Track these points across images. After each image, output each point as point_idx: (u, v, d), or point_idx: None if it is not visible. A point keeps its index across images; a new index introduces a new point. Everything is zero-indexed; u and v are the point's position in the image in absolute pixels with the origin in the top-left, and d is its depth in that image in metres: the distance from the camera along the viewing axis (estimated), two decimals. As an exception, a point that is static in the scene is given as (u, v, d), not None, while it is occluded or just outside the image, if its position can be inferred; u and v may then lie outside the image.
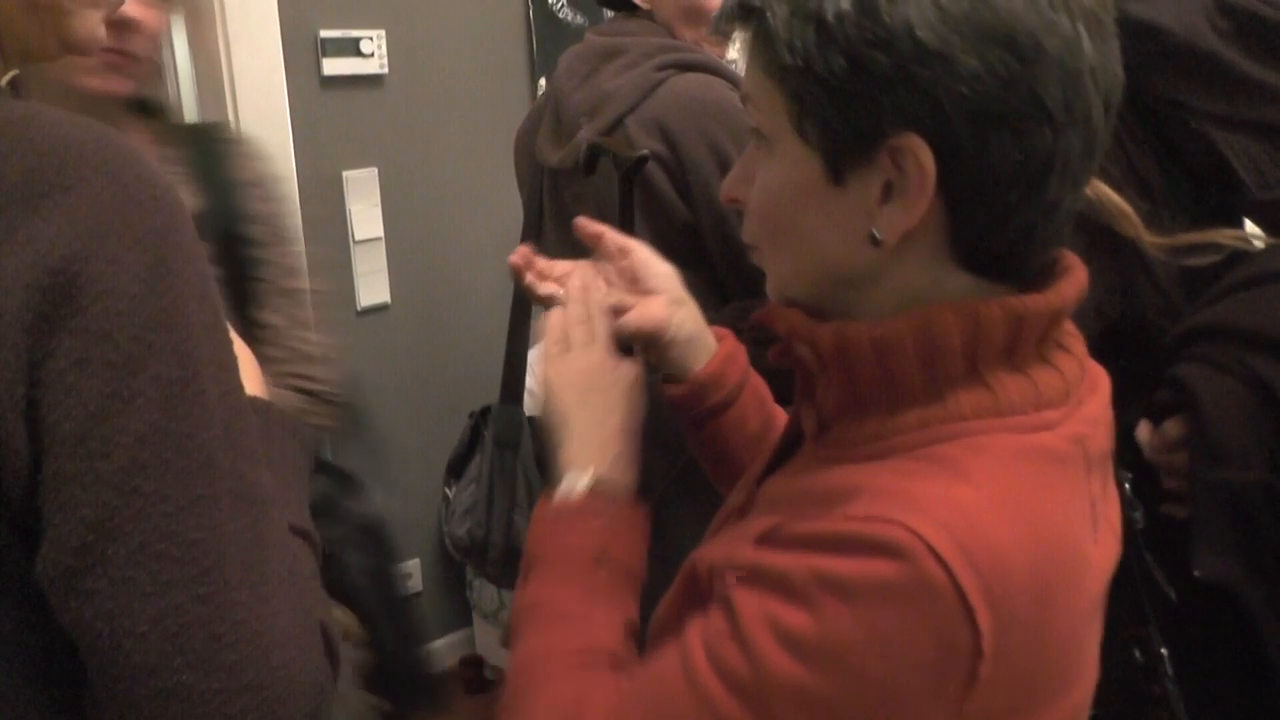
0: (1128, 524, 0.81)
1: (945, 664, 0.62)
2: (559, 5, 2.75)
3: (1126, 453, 1.17)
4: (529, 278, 0.99)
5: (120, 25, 1.15)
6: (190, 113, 2.65)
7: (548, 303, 0.98)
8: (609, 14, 1.75)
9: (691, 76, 1.60)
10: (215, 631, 0.62)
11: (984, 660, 0.62)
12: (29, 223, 0.60)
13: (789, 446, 0.83)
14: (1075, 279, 0.73)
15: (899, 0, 0.64)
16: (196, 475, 0.63)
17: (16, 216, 0.60)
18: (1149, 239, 1.12)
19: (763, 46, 0.69)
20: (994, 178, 0.66)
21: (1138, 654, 1.14)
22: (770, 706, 0.65)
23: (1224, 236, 1.17)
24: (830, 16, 0.65)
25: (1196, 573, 1.07)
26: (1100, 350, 1.19)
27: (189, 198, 1.29)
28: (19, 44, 0.73)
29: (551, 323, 0.93)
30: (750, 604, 0.66)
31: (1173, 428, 1.14)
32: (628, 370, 0.89)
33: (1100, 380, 0.78)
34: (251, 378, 0.81)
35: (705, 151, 1.55)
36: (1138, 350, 1.20)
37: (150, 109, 1.35)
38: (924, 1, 0.63)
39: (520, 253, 1.00)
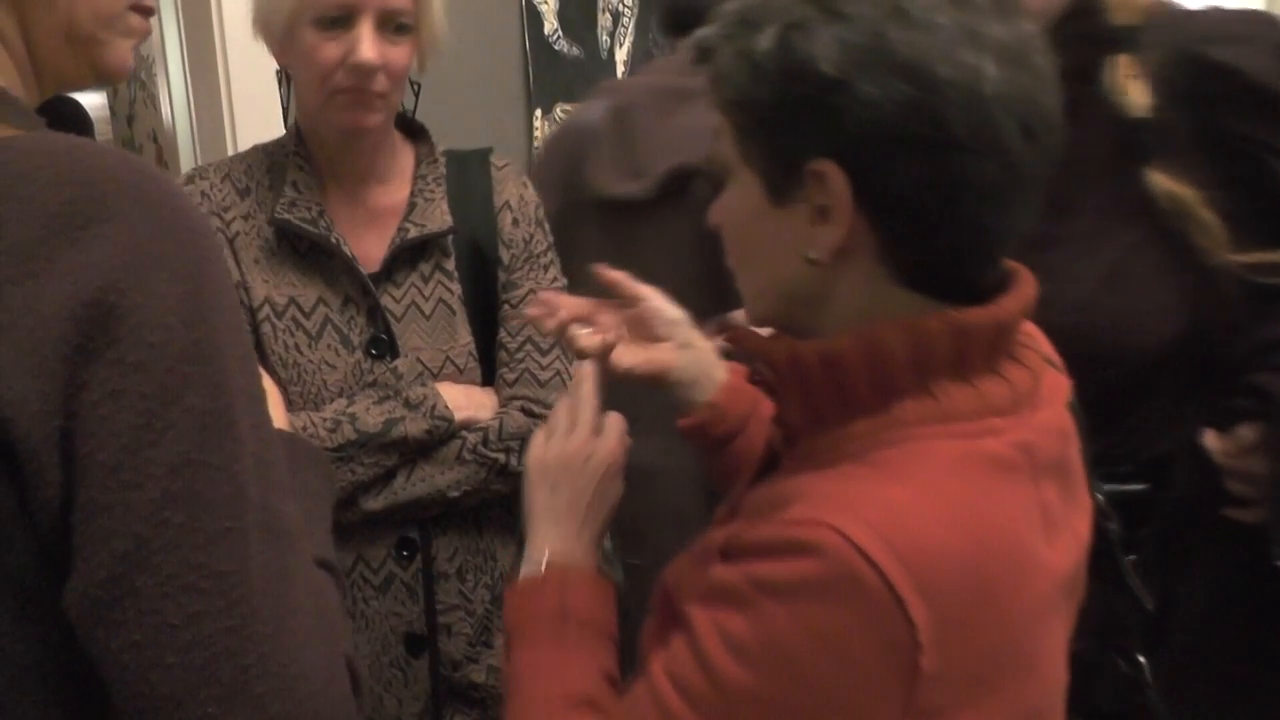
0: (1103, 534, 0.83)
1: (885, 658, 0.66)
2: (555, 37, 2.76)
3: (1189, 459, 1.22)
4: (572, 329, 1.03)
5: (362, 68, 1.23)
6: (186, 145, 2.65)
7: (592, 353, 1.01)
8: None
9: None
10: (243, 664, 0.62)
11: (923, 652, 0.65)
12: (69, 253, 0.61)
13: (774, 458, 0.86)
14: (1021, 293, 0.77)
15: (809, 36, 0.71)
16: (227, 507, 0.63)
17: (57, 247, 0.61)
18: (1228, 256, 1.17)
19: (714, 84, 0.77)
20: (907, 199, 0.71)
21: (1122, 664, 1.18)
22: (729, 716, 0.69)
23: None
24: (759, 54, 0.73)
25: (1278, 564, 1.12)
26: (1167, 360, 1.23)
27: (440, 216, 1.33)
28: (55, 73, 0.75)
29: (553, 413, 0.99)
30: (702, 619, 0.71)
31: (1248, 432, 1.19)
32: (603, 454, 0.94)
33: (1058, 391, 0.81)
34: (276, 409, 0.81)
35: None
36: (1202, 363, 1.25)
37: (417, 132, 1.41)
38: (830, 37, 0.70)
39: (541, 302, 1.06)
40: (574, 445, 0.94)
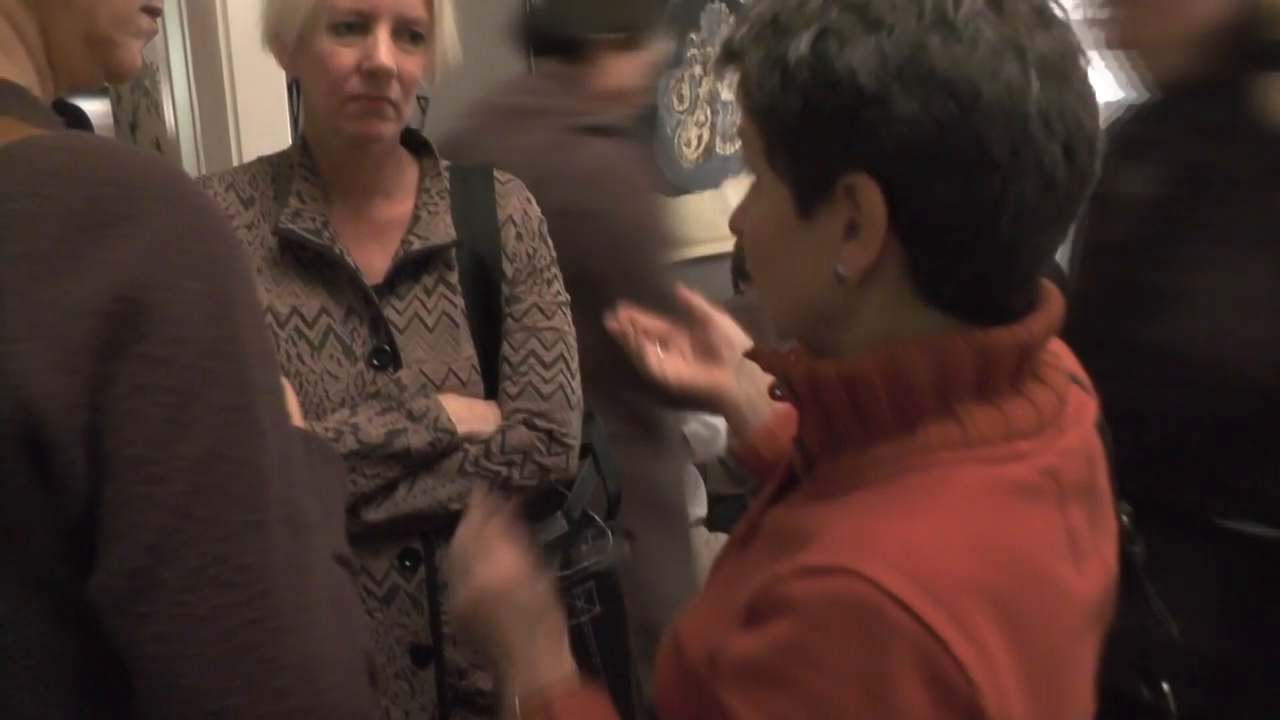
0: (1127, 558, 0.81)
1: (943, 705, 0.62)
2: (558, 46, 2.78)
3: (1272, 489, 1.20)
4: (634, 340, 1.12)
5: (378, 74, 1.25)
6: (189, 153, 2.65)
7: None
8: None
9: (603, 140, 1.80)
10: (265, 655, 0.63)
11: (981, 692, 0.62)
12: (95, 250, 0.62)
13: (793, 478, 0.84)
14: (1048, 313, 0.74)
15: (847, 47, 0.67)
16: (250, 501, 0.64)
17: (83, 244, 0.62)
18: None
19: (742, 88, 0.74)
20: (941, 218, 0.68)
21: (1145, 691, 1.14)
22: None
23: None
24: (791, 61, 0.69)
25: None
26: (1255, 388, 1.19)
27: (444, 229, 1.35)
28: (69, 74, 0.76)
29: (452, 556, 1.00)
30: (744, 706, 0.67)
31: None
32: (506, 571, 0.95)
33: (1085, 413, 0.78)
34: (292, 407, 0.82)
35: (627, 207, 1.75)
36: None
37: (421, 147, 1.43)
38: (868, 48, 0.67)
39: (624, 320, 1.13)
40: (479, 580, 0.95)
